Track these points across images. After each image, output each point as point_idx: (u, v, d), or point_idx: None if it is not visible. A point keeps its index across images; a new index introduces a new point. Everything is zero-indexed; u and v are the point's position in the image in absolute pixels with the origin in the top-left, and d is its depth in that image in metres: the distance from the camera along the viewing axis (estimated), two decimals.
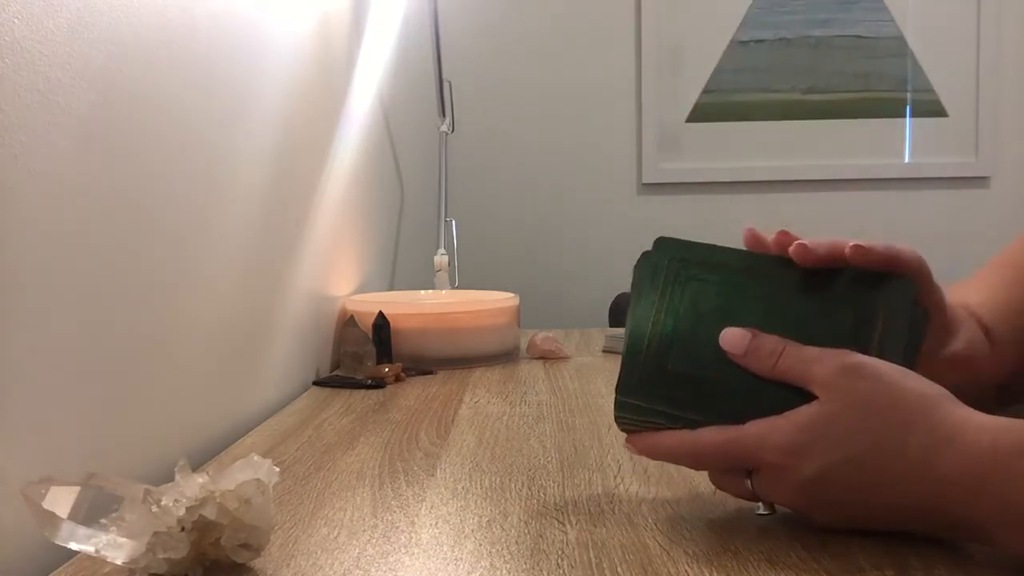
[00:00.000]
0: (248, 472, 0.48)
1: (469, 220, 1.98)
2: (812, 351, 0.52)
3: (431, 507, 0.60)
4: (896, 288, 0.54)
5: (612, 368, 1.18)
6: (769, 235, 0.57)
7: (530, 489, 0.63)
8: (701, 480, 0.64)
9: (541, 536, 0.53)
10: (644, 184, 2.41)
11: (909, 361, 0.53)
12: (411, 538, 0.54)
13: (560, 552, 0.51)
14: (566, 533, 0.54)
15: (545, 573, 0.48)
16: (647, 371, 0.55)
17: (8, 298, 0.51)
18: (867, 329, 0.53)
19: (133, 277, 0.66)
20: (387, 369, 1.09)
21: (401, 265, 1.83)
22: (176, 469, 0.48)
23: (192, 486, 0.47)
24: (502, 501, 0.61)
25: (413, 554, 0.51)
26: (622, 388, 0.56)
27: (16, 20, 0.51)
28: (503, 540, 0.53)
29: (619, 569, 0.48)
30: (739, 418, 0.52)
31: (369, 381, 1.06)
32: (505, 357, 1.25)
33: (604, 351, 1.33)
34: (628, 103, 2.39)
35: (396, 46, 1.76)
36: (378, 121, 1.64)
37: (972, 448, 0.47)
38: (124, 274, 0.65)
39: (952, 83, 2.37)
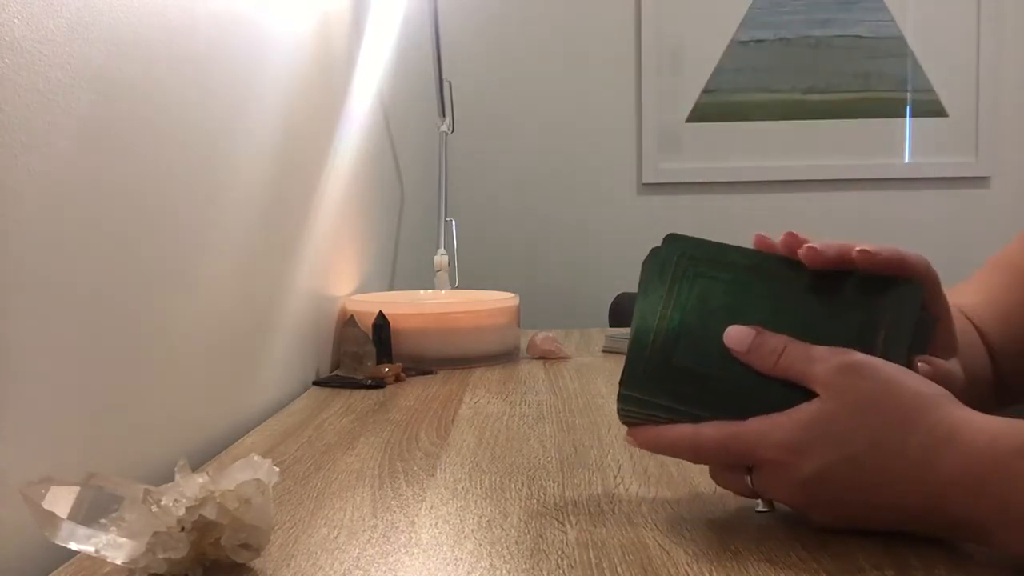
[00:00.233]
0: (248, 472, 0.48)
1: (469, 220, 1.98)
2: (813, 349, 0.52)
3: (431, 507, 0.60)
4: (903, 293, 0.54)
5: (612, 368, 1.18)
6: (776, 239, 0.57)
7: (530, 489, 0.63)
8: (701, 480, 0.64)
9: (541, 536, 0.53)
10: (644, 184, 2.41)
11: (912, 366, 0.53)
12: (411, 538, 0.54)
13: (560, 552, 0.51)
14: (566, 533, 0.54)
15: (545, 573, 0.48)
16: (651, 365, 0.56)
17: (8, 298, 0.51)
18: (872, 332, 0.53)
19: (133, 277, 0.66)
20: (387, 369, 1.09)
21: (401, 265, 1.83)
22: (176, 469, 0.48)
23: (192, 486, 0.47)
24: (502, 501, 0.61)
25: (413, 554, 0.51)
26: (626, 381, 0.56)
27: (16, 20, 0.51)
28: (503, 540, 0.53)
29: (619, 569, 0.48)
30: (741, 415, 0.53)
31: (369, 381, 1.06)
32: (505, 357, 1.25)
33: (604, 351, 1.33)
34: (628, 103, 2.39)
35: (396, 46, 1.76)
36: (378, 121, 1.64)
37: (971, 448, 0.47)
38: (124, 274, 0.65)
39: (952, 83, 2.37)
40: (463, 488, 0.64)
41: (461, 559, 0.50)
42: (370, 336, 1.14)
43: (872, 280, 0.54)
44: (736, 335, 0.54)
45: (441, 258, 1.57)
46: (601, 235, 2.39)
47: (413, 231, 1.91)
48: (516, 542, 0.53)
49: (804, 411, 0.51)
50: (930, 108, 2.38)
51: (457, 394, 1.00)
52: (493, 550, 0.51)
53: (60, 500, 0.44)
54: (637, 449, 0.73)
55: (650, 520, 0.56)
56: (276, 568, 0.49)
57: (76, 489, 0.45)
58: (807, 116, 2.39)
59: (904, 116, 2.39)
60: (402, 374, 1.10)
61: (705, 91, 2.39)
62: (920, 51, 2.36)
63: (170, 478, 0.48)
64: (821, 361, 0.51)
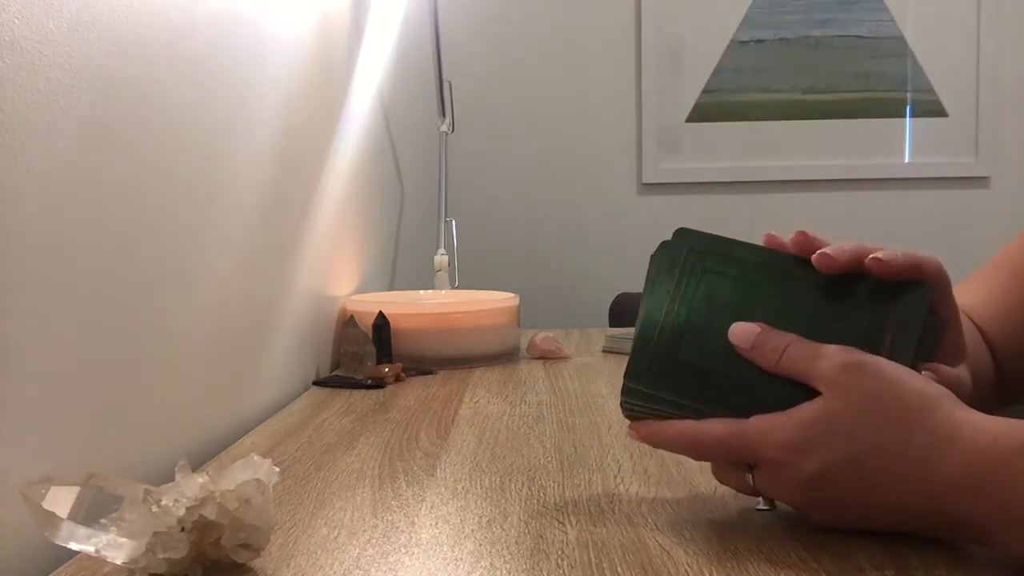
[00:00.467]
0: (248, 472, 0.48)
1: (469, 220, 1.98)
2: (817, 347, 0.52)
3: (431, 507, 0.60)
4: (912, 295, 0.54)
5: (612, 368, 1.18)
6: (782, 239, 0.57)
7: (530, 489, 0.63)
8: (701, 480, 0.64)
9: (541, 536, 0.53)
10: (644, 184, 2.41)
11: (917, 370, 0.53)
12: (411, 538, 0.54)
13: (560, 552, 0.51)
14: (566, 533, 0.54)
15: (545, 573, 0.48)
16: (657, 359, 0.56)
17: (8, 298, 0.51)
18: (879, 334, 0.53)
19: (133, 277, 0.66)
20: (387, 369, 1.09)
21: (401, 265, 1.83)
22: (176, 469, 0.48)
23: (192, 486, 0.47)
24: (502, 501, 0.61)
25: (413, 554, 0.51)
26: (630, 374, 0.56)
27: (16, 20, 0.51)
28: (503, 540, 0.53)
29: (619, 569, 0.48)
30: (744, 412, 0.52)
31: (369, 381, 1.06)
32: (505, 357, 1.25)
33: (604, 351, 1.33)
34: (628, 103, 2.39)
35: (396, 46, 1.76)
36: (378, 121, 1.64)
37: (972, 448, 0.47)
38: (124, 274, 0.65)
39: (952, 83, 2.37)
40: (463, 488, 0.64)
41: (461, 559, 0.50)
42: (370, 336, 1.14)
43: (882, 282, 0.54)
44: (740, 332, 0.54)
45: (441, 258, 1.57)
46: (601, 235, 2.39)
47: (413, 231, 1.91)
48: (516, 542, 0.53)
49: (806, 410, 0.51)
50: (930, 108, 2.38)
51: (457, 394, 1.00)
52: (493, 550, 0.51)
53: (60, 500, 0.44)
54: (637, 449, 0.73)
55: (650, 520, 0.56)
56: (276, 568, 0.49)
57: (76, 489, 0.45)
58: (807, 116, 2.39)
59: (904, 116, 2.39)
60: (402, 374, 1.10)
61: (705, 91, 2.39)
62: (920, 51, 2.36)
63: (170, 478, 0.48)
64: (824, 359, 0.51)
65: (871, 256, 0.53)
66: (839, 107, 2.39)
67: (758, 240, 0.58)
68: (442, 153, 1.74)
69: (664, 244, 0.58)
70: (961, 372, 0.56)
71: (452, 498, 0.62)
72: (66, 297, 0.57)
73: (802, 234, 0.55)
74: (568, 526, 0.55)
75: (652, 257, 0.57)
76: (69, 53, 0.57)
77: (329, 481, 0.66)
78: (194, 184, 0.77)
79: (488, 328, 1.25)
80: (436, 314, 1.22)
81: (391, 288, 1.74)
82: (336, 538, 0.54)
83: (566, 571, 0.48)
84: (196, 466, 0.68)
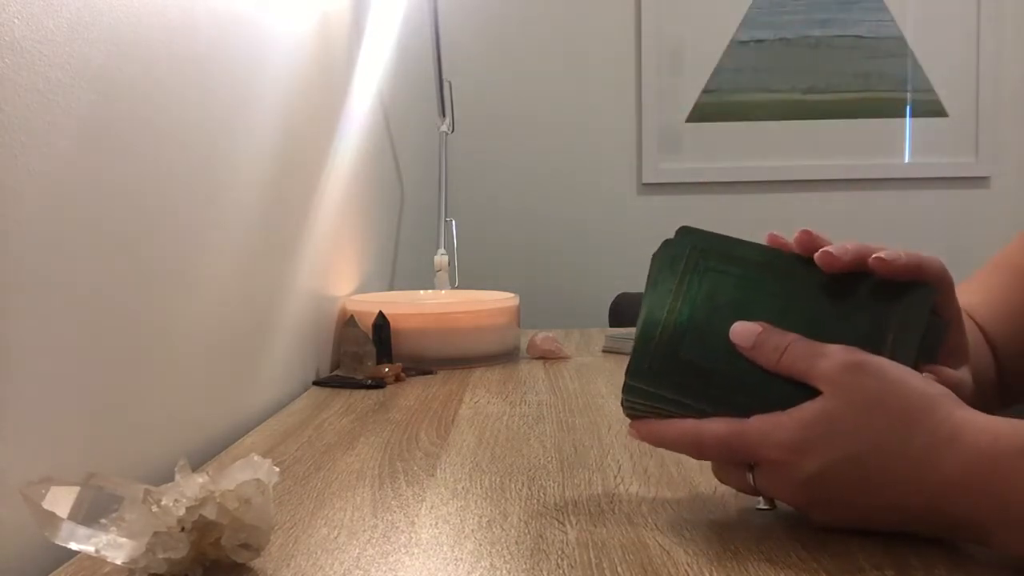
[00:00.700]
0: (248, 472, 0.48)
1: (469, 220, 1.98)
2: (817, 347, 0.52)
3: (431, 507, 0.60)
4: (915, 296, 0.54)
5: (612, 368, 1.18)
6: (785, 238, 0.57)
7: (530, 489, 0.63)
8: (701, 480, 0.64)
9: (541, 536, 0.53)
10: (644, 184, 2.41)
11: (919, 371, 0.53)
12: (411, 538, 0.54)
13: (560, 552, 0.51)
14: (566, 533, 0.54)
15: (545, 573, 0.48)
16: (658, 357, 0.56)
17: (8, 298, 0.51)
18: (881, 334, 0.53)
19: (133, 277, 0.66)
20: (387, 369, 1.09)
21: (401, 265, 1.83)
22: (176, 469, 0.48)
23: (192, 486, 0.47)
24: (502, 501, 0.61)
25: (413, 554, 0.51)
26: (632, 372, 0.56)
27: (16, 20, 0.51)
28: (503, 540, 0.53)
29: (619, 569, 0.48)
30: (745, 411, 0.52)
31: (369, 381, 1.06)
32: (505, 357, 1.25)
33: (604, 351, 1.33)
34: (628, 103, 2.39)
35: (396, 46, 1.76)
36: (378, 121, 1.64)
37: (973, 448, 0.47)
38: (124, 274, 0.65)
39: (952, 83, 2.37)
40: (463, 488, 0.64)
41: (461, 559, 0.50)
42: (370, 336, 1.14)
43: (885, 282, 0.54)
44: (742, 331, 0.54)
45: (441, 258, 1.57)
46: (601, 235, 2.39)
47: (413, 231, 1.91)
48: (516, 542, 0.53)
49: (807, 410, 0.50)
50: (930, 108, 2.38)
51: (457, 394, 1.00)
52: (493, 550, 0.51)
53: (60, 500, 0.44)
54: (637, 449, 0.73)
55: (650, 520, 0.56)
56: (276, 568, 0.49)
57: (76, 489, 0.45)
58: (807, 116, 2.39)
59: (904, 116, 2.39)
60: (402, 374, 1.10)
61: (705, 91, 2.38)
62: (920, 51, 2.36)
63: (170, 478, 0.48)
64: (826, 359, 0.51)
65: (874, 256, 0.53)
66: (839, 107, 2.39)
67: (759, 240, 0.57)
68: (442, 153, 1.74)
69: (667, 242, 0.58)
70: (962, 373, 0.56)
71: (452, 498, 0.62)
72: (66, 297, 0.57)
73: (805, 233, 0.55)
74: (568, 526, 0.55)
75: (654, 255, 0.57)
76: (69, 53, 0.57)
77: (329, 481, 0.66)
78: (194, 184, 0.77)
79: (488, 328, 1.25)
80: (436, 314, 1.22)
81: (391, 288, 1.74)
82: (336, 538, 0.54)
83: (566, 571, 0.48)
84: (196, 466, 0.68)
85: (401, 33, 1.78)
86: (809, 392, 0.51)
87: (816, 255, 0.54)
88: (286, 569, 0.49)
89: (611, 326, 1.92)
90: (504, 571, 0.48)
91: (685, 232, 0.57)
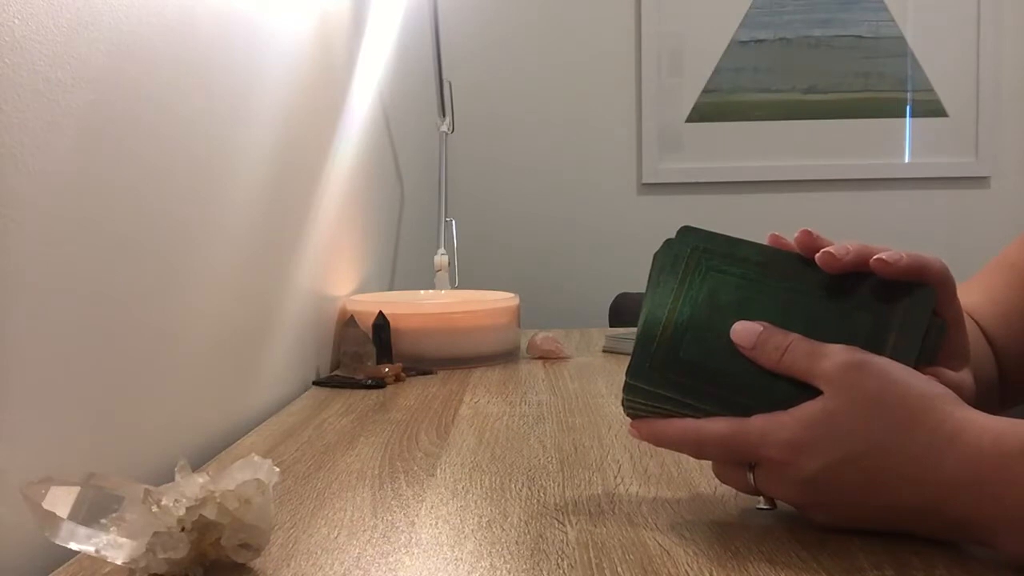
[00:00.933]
0: (248, 472, 0.48)
1: (469, 220, 1.98)
2: (818, 346, 0.52)
3: (431, 507, 0.60)
4: (916, 297, 0.54)
5: (612, 368, 1.18)
6: (786, 239, 0.57)
7: (530, 489, 0.63)
8: (701, 480, 0.64)
9: (541, 536, 0.53)
10: (644, 184, 2.41)
11: (921, 371, 0.52)
12: (411, 538, 0.54)
13: (560, 552, 0.51)
14: (566, 533, 0.54)
15: (545, 573, 0.48)
16: (659, 357, 0.56)
17: (8, 298, 0.51)
18: (882, 335, 0.53)
19: (133, 277, 0.66)
20: (387, 369, 1.09)
21: (401, 265, 1.83)
22: (176, 469, 0.48)
23: (192, 486, 0.47)
24: (502, 501, 0.61)
25: (413, 554, 0.51)
26: (632, 372, 0.56)
27: (16, 20, 0.51)
28: (503, 540, 0.53)
29: (619, 569, 0.48)
30: (746, 411, 0.52)
31: (369, 381, 1.06)
32: (505, 357, 1.25)
33: (604, 351, 1.33)
34: (628, 103, 2.39)
35: (396, 46, 1.76)
36: (378, 120, 1.64)
37: (974, 449, 0.47)
38: (124, 274, 0.65)
39: (952, 83, 2.37)
40: (463, 488, 0.64)
41: (461, 559, 0.50)
42: (370, 336, 1.14)
43: (886, 283, 0.54)
44: (742, 331, 0.54)
45: (441, 258, 1.57)
46: (601, 235, 2.39)
47: (413, 231, 1.91)
48: (516, 542, 0.53)
49: (807, 409, 0.50)
50: (930, 108, 2.38)
51: (457, 394, 1.00)
52: (493, 550, 0.51)
53: (60, 500, 0.44)
54: (637, 449, 0.73)
55: (650, 520, 0.56)
56: (276, 568, 0.49)
57: (76, 489, 0.45)
58: (807, 116, 2.39)
59: (904, 116, 2.39)
60: (402, 374, 1.10)
61: (705, 91, 2.39)
62: (920, 51, 2.37)
63: (170, 478, 0.48)
64: (827, 358, 0.51)
65: (875, 257, 0.53)
66: (839, 107, 2.39)
67: (760, 240, 0.57)
68: (442, 153, 1.73)
69: (668, 242, 0.58)
70: (965, 377, 0.56)
71: (452, 498, 0.62)
72: (66, 297, 0.57)
73: (806, 233, 0.55)
74: (568, 526, 0.55)
75: (656, 255, 0.57)
76: (69, 53, 0.57)
77: (329, 481, 0.66)
78: (194, 184, 0.77)
79: (488, 328, 1.25)
80: (436, 314, 1.22)
81: (391, 288, 1.74)
82: (336, 538, 0.54)
83: (566, 571, 0.48)
84: (196, 466, 0.68)
85: (401, 33, 1.78)
86: (810, 392, 0.51)
87: (817, 255, 0.54)
88: (286, 569, 0.49)
89: (611, 326, 1.92)
90: (504, 571, 0.48)
91: (686, 232, 0.57)
